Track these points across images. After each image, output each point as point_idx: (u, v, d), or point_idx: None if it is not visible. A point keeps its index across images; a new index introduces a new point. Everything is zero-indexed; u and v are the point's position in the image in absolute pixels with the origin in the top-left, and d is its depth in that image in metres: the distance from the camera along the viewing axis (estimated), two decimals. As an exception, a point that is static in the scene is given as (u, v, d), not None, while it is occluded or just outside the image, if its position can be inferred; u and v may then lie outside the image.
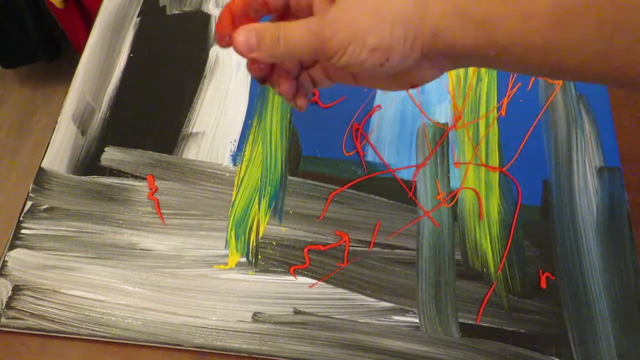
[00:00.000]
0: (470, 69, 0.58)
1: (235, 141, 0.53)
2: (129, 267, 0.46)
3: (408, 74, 0.30)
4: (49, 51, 1.25)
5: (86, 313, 0.44)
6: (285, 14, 0.32)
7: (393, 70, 0.28)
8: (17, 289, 0.45)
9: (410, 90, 0.57)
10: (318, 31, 0.28)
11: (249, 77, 0.57)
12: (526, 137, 0.54)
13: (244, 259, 0.47)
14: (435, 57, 0.28)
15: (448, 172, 0.52)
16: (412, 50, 0.27)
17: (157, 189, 0.50)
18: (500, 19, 0.25)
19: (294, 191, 0.50)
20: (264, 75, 0.33)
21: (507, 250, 0.48)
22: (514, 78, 0.58)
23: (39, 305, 0.44)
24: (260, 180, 0.51)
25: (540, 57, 0.26)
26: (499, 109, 0.56)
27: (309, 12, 0.31)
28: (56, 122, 0.53)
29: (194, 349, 0.43)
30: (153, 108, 0.55)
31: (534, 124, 0.55)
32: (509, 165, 0.53)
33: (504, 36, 0.25)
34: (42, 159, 0.51)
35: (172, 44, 0.59)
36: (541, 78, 0.57)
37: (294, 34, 0.29)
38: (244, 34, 0.30)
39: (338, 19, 0.27)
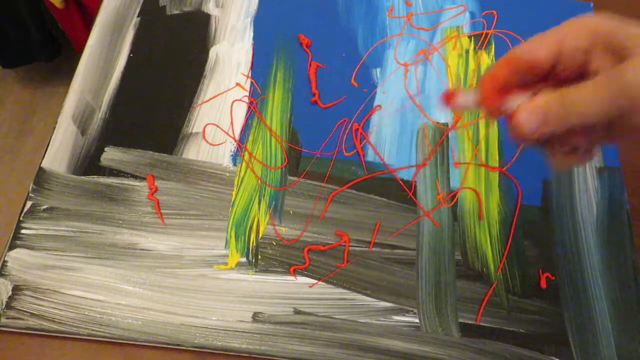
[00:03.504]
0: (470, 68, 0.58)
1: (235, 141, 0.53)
2: (129, 267, 0.46)
3: None
4: (49, 51, 1.25)
5: (86, 313, 0.44)
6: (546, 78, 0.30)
7: None
8: (17, 289, 0.45)
9: (410, 90, 0.57)
10: (622, 89, 0.25)
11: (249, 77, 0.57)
12: (526, 137, 0.54)
13: (244, 259, 0.47)
14: None
15: (448, 172, 0.52)
16: None
17: (157, 189, 0.50)
18: None
19: (294, 191, 0.50)
20: (545, 140, 0.30)
21: (507, 250, 0.48)
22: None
23: (39, 305, 0.44)
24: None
25: None
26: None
27: (578, 74, 0.29)
28: (56, 122, 0.53)
29: (194, 349, 0.43)
30: (153, 108, 0.55)
31: (534, 124, 0.55)
32: (509, 165, 0.53)
33: None
34: (42, 159, 0.51)
35: (172, 44, 0.59)
36: None
37: (585, 101, 0.26)
38: (528, 115, 0.27)
39: None
